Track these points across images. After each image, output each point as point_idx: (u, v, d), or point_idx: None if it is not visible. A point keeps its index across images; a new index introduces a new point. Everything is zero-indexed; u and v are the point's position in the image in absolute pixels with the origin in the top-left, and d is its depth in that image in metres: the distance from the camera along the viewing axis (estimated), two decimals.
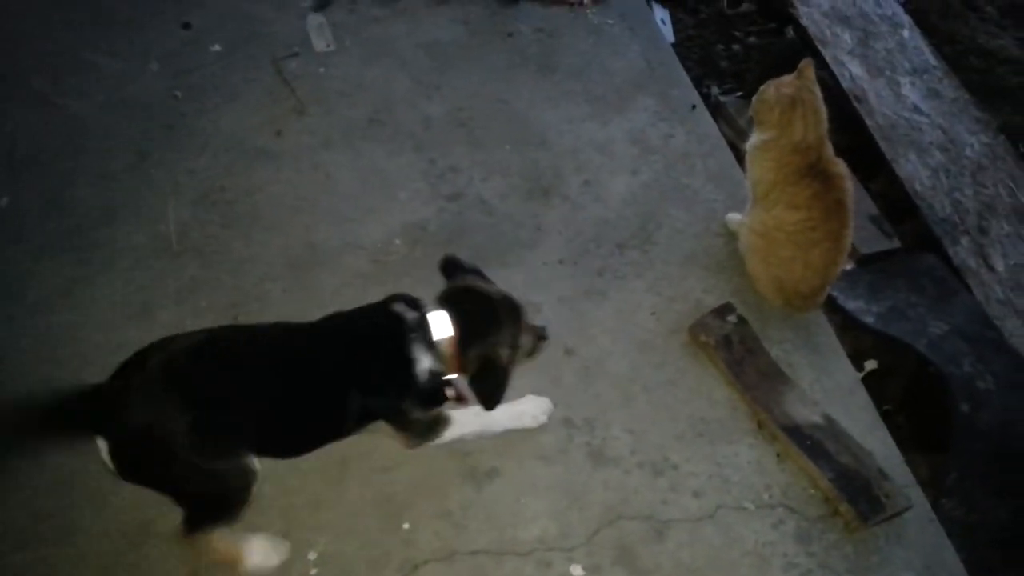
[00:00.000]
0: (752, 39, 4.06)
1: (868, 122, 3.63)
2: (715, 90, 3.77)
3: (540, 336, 2.23)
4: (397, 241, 2.78)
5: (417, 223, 2.84)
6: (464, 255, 2.72)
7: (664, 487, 2.32)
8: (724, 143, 3.22)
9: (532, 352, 2.23)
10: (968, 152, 3.77)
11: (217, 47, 3.30)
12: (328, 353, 2.02)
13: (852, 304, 2.92)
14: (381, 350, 2.04)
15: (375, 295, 2.60)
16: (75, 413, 1.84)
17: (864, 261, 3.14)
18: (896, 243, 3.24)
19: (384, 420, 2.13)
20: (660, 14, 3.95)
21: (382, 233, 2.79)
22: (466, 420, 2.26)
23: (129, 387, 1.85)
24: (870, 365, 2.84)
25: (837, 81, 3.74)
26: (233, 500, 1.95)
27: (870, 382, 2.74)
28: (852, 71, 3.86)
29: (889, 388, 2.82)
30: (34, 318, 2.51)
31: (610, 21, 3.61)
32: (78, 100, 3.06)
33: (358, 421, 2.08)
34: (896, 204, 3.45)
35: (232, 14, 3.35)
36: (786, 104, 2.44)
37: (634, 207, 2.96)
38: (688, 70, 3.65)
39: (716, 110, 3.56)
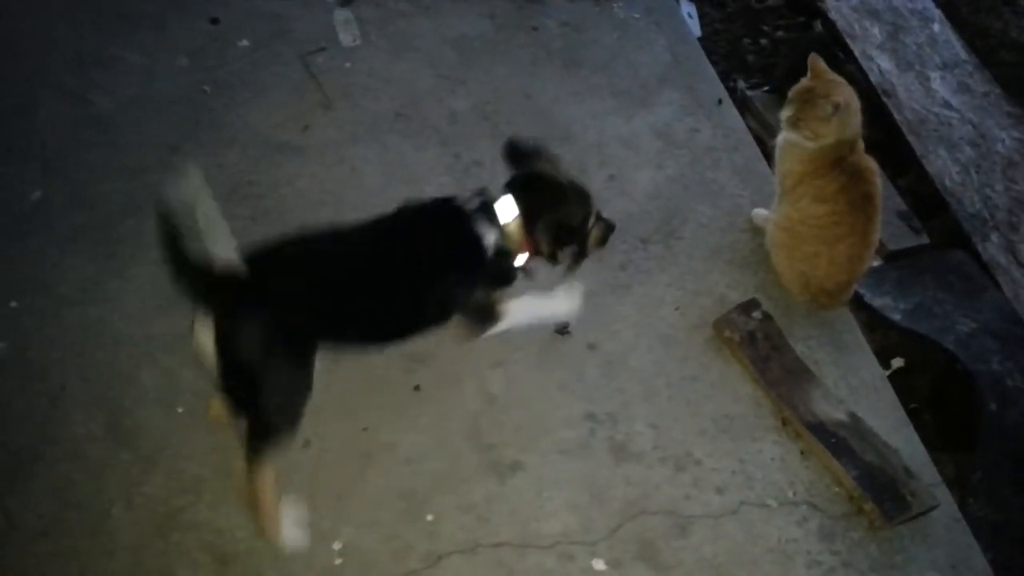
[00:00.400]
0: (780, 33, 4.02)
1: (897, 117, 3.59)
2: (742, 84, 3.73)
3: (608, 225, 2.38)
4: None
5: None
6: None
7: (687, 483, 2.32)
8: (750, 138, 3.20)
9: (602, 240, 2.39)
10: (999, 147, 3.72)
11: (245, 42, 3.33)
12: (401, 243, 2.13)
13: (879, 301, 2.89)
14: (448, 234, 2.17)
15: None
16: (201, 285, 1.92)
17: (892, 257, 3.10)
18: (925, 239, 3.21)
19: (456, 305, 2.24)
20: (687, 8, 3.93)
21: None
22: (517, 310, 2.34)
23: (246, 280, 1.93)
24: (897, 363, 2.81)
25: (866, 75, 3.70)
26: (294, 412, 2.03)
27: (897, 380, 2.72)
28: (881, 65, 3.81)
29: (916, 386, 2.79)
30: (62, 310, 2.55)
31: (636, 15, 3.59)
32: (107, 96, 3.10)
33: (437, 310, 2.21)
34: (925, 200, 3.40)
35: (259, 10, 3.38)
36: (842, 111, 2.40)
37: (658, 201, 2.95)
38: (715, 64, 3.63)
39: (743, 104, 3.53)
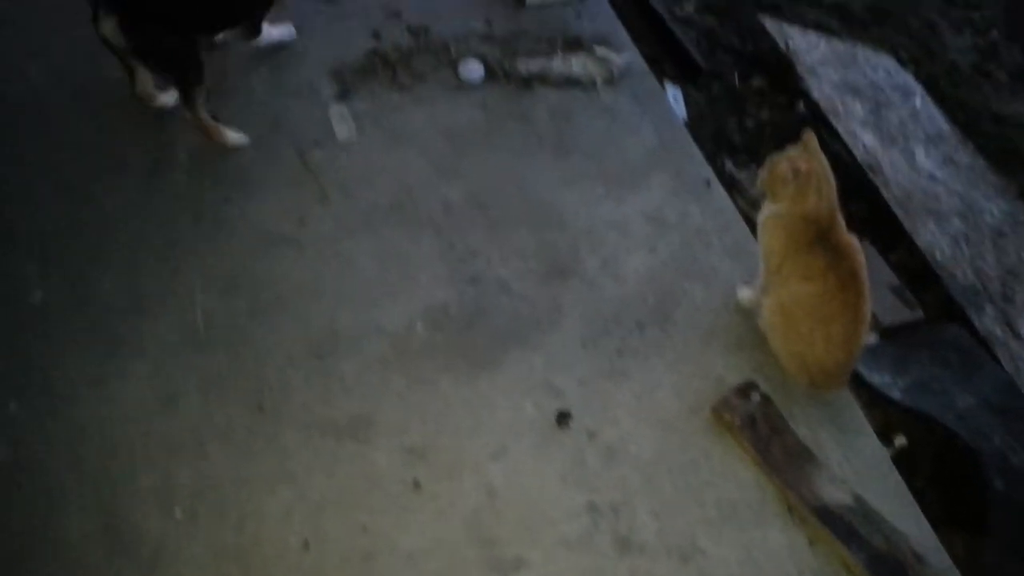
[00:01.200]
0: (764, 113, 4.12)
1: (884, 192, 3.65)
2: (729, 164, 3.81)
3: None
4: (418, 325, 2.81)
5: (438, 307, 2.87)
6: (484, 338, 2.78)
7: (693, 574, 2.28)
8: (739, 217, 3.25)
9: None
10: (988, 219, 3.78)
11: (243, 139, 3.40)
12: None
13: (877, 379, 2.89)
14: None
15: (397, 381, 2.66)
16: None
17: (887, 333, 3.12)
18: (919, 313, 3.23)
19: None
20: (672, 92, 4.03)
21: (403, 317, 2.82)
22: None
23: None
24: (899, 441, 2.80)
25: (850, 152, 3.78)
26: (193, 72, 3.10)
27: (900, 459, 2.70)
28: (865, 142, 3.90)
29: (920, 464, 2.77)
30: (61, 410, 2.54)
31: (623, 102, 3.68)
32: (109, 192, 3.14)
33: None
34: (917, 274, 3.44)
35: (256, 106, 3.45)
36: (802, 178, 2.46)
37: (652, 285, 2.98)
38: (701, 146, 3.70)
39: (731, 184, 3.60)
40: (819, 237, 2.49)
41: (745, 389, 2.63)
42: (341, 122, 3.49)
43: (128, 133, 3.38)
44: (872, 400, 2.87)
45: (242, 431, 2.51)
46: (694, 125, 3.92)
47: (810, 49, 4.39)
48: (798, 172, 2.45)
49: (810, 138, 2.54)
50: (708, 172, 3.41)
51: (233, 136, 3.30)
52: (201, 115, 3.19)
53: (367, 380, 2.65)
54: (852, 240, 2.53)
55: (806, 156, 2.50)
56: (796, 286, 2.53)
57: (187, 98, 3.14)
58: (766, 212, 2.62)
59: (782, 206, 2.53)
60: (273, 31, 3.58)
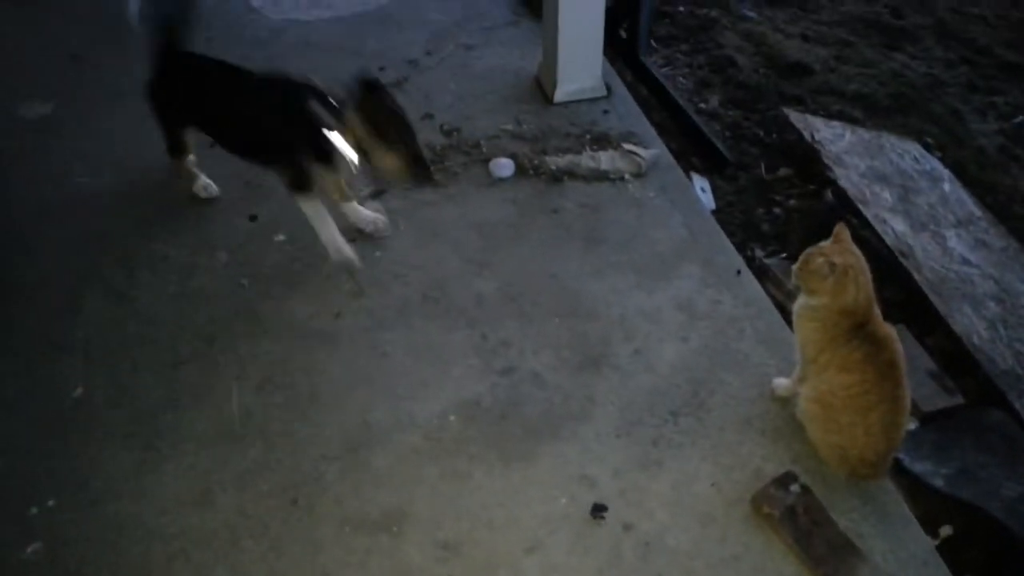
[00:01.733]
0: (792, 202, 4.17)
1: (916, 277, 3.64)
2: (759, 253, 3.84)
3: (419, 160, 3.09)
4: (451, 417, 2.82)
5: (471, 399, 2.88)
6: (518, 430, 2.77)
7: None
8: (771, 305, 3.25)
9: (403, 169, 3.06)
10: None
11: (281, 236, 3.51)
12: (262, 91, 3.21)
13: (919, 467, 2.83)
14: (292, 97, 3.07)
15: (430, 474, 2.65)
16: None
17: (927, 419, 3.06)
18: (959, 399, 3.17)
19: (277, 148, 3.22)
20: (700, 183, 4.11)
21: (436, 409, 2.84)
22: (313, 209, 3.28)
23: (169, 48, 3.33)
24: (945, 531, 2.71)
25: (881, 239, 3.78)
26: (170, 146, 3.57)
27: (946, 549, 2.61)
28: (895, 228, 3.91)
29: (968, 555, 2.67)
30: (98, 506, 2.57)
31: (651, 194, 3.75)
32: (150, 292, 3.25)
33: (262, 145, 3.28)
34: (955, 358, 3.39)
35: (294, 206, 3.58)
36: (839, 272, 2.46)
37: (685, 374, 2.97)
38: (731, 235, 3.74)
39: (761, 273, 3.61)
40: (856, 328, 2.48)
41: (784, 480, 2.58)
42: (374, 219, 3.59)
43: (168, 235, 3.52)
44: (914, 488, 2.80)
45: (276, 525, 2.51)
46: (723, 215, 3.98)
47: (835, 139, 4.47)
48: (835, 267, 2.45)
49: (842, 230, 2.56)
50: (738, 261, 3.44)
51: (201, 184, 3.68)
52: (177, 163, 3.65)
53: (400, 473, 2.65)
54: (889, 330, 2.51)
55: (840, 249, 2.51)
56: (834, 377, 2.51)
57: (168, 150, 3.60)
58: (802, 303, 2.61)
59: (820, 300, 2.52)
60: (364, 212, 3.55)
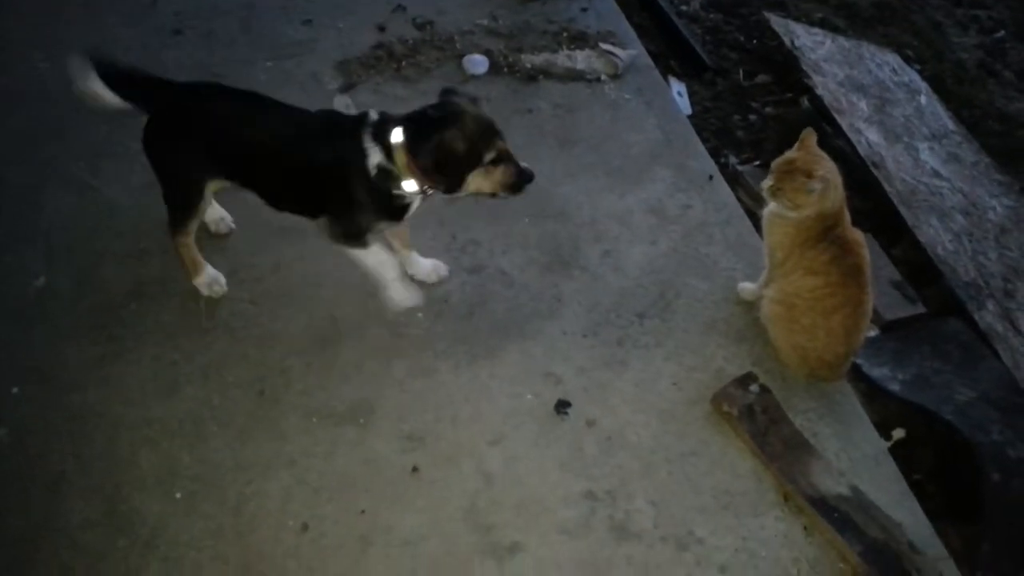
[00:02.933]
0: (769, 109, 4.12)
1: (887, 188, 3.64)
2: (733, 160, 3.81)
3: (522, 172, 2.42)
4: (419, 314, 2.82)
5: (439, 296, 2.88)
6: (485, 327, 2.78)
7: (689, 562, 2.28)
8: (742, 212, 3.25)
9: (511, 186, 2.44)
10: (991, 215, 3.77)
11: None
12: (302, 133, 2.50)
13: (877, 372, 2.89)
14: (339, 140, 2.43)
15: (397, 369, 2.67)
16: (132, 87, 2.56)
17: (888, 327, 3.12)
18: (921, 308, 3.22)
19: (328, 203, 2.55)
20: (677, 88, 4.04)
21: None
22: (372, 258, 2.64)
23: (171, 89, 2.60)
24: (898, 434, 2.79)
25: (854, 148, 3.77)
26: (182, 211, 2.66)
27: (899, 451, 2.70)
28: (869, 138, 3.89)
29: (918, 457, 2.77)
30: (63, 395, 2.57)
31: (627, 96, 3.69)
32: (114, 184, 3.17)
33: (309, 198, 2.58)
34: (919, 269, 3.43)
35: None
36: (824, 187, 2.45)
37: (653, 277, 2.99)
38: (705, 141, 3.71)
39: (734, 179, 3.60)
40: (826, 231, 2.49)
41: (744, 380, 2.63)
42: (345, 112, 3.50)
43: (133, 126, 3.41)
44: (871, 393, 2.87)
45: (242, 416, 2.53)
46: (698, 120, 3.93)
47: (815, 46, 4.39)
48: (824, 180, 2.42)
49: (809, 135, 2.54)
50: (711, 167, 3.42)
51: (204, 279, 2.83)
52: (178, 242, 2.76)
53: (367, 367, 2.67)
54: (858, 235, 2.53)
55: (813, 158, 2.49)
56: (800, 279, 2.54)
57: (169, 220, 2.73)
58: (774, 210, 2.60)
59: (800, 212, 2.51)
60: (424, 262, 2.95)
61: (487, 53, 3.82)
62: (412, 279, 2.90)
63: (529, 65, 3.77)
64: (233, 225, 3.05)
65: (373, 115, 2.44)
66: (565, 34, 4.00)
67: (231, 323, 2.77)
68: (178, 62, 3.72)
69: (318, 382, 2.62)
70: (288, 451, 2.45)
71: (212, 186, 2.67)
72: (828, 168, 2.48)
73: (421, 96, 3.62)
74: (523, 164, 2.44)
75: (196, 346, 2.70)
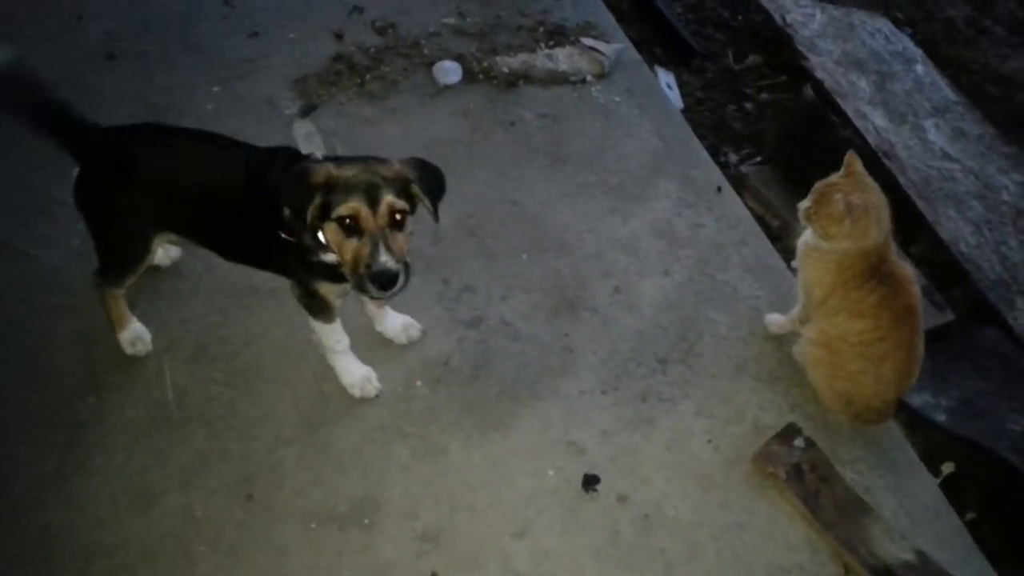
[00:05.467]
0: (764, 95, 3.83)
1: (901, 180, 3.40)
2: (733, 158, 3.53)
3: (373, 262, 1.91)
4: (418, 383, 2.52)
5: (438, 358, 2.58)
6: (492, 391, 2.50)
7: None
8: (757, 228, 2.98)
9: (354, 267, 1.96)
10: (1004, 196, 3.56)
11: None
12: (244, 175, 2.18)
13: (918, 400, 2.66)
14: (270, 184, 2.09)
15: (400, 452, 2.37)
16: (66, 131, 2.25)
17: None
18: (950, 315, 3.01)
19: (274, 264, 2.30)
20: (665, 79, 3.72)
21: (400, 374, 2.53)
22: (334, 337, 2.37)
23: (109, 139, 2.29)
24: (947, 468, 2.58)
25: (863, 138, 3.50)
26: (121, 267, 2.38)
27: (949, 487, 2.50)
28: (876, 123, 3.63)
29: (971, 493, 2.56)
30: (21, 517, 2.23)
31: (616, 98, 3.37)
32: (51, 248, 2.78)
33: (255, 256, 2.33)
34: (942, 266, 3.21)
35: (211, 129, 3.09)
36: (858, 214, 2.17)
37: (671, 313, 2.71)
38: (702, 138, 3.42)
39: (740, 182, 3.32)
40: (871, 269, 2.22)
41: (787, 434, 2.38)
42: (308, 141, 3.14)
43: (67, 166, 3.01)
44: (914, 423, 2.65)
45: (231, 528, 2.22)
46: (692, 115, 3.63)
47: (806, 20, 4.09)
48: (853, 209, 2.14)
49: (853, 159, 2.26)
50: (718, 176, 3.13)
51: (127, 336, 2.54)
52: (104, 297, 2.50)
53: (366, 453, 2.37)
54: (906, 270, 2.27)
55: (855, 183, 2.21)
56: (845, 322, 2.28)
57: (97, 274, 2.46)
58: (810, 242, 2.32)
59: (835, 244, 2.23)
60: (394, 318, 2.61)
61: (459, 58, 3.46)
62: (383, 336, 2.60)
63: (506, 69, 3.42)
64: (176, 256, 2.76)
65: (317, 155, 2.12)
66: (541, 29, 3.64)
67: (206, 412, 2.43)
68: (114, 91, 3.30)
69: (313, 477, 2.32)
70: (288, 568, 2.15)
71: (159, 241, 2.39)
72: (871, 200, 2.20)
73: (390, 115, 3.27)
74: (383, 259, 1.93)
75: (169, 444, 2.36)
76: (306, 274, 2.20)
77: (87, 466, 2.33)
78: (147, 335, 2.56)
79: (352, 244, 1.96)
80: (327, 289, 2.22)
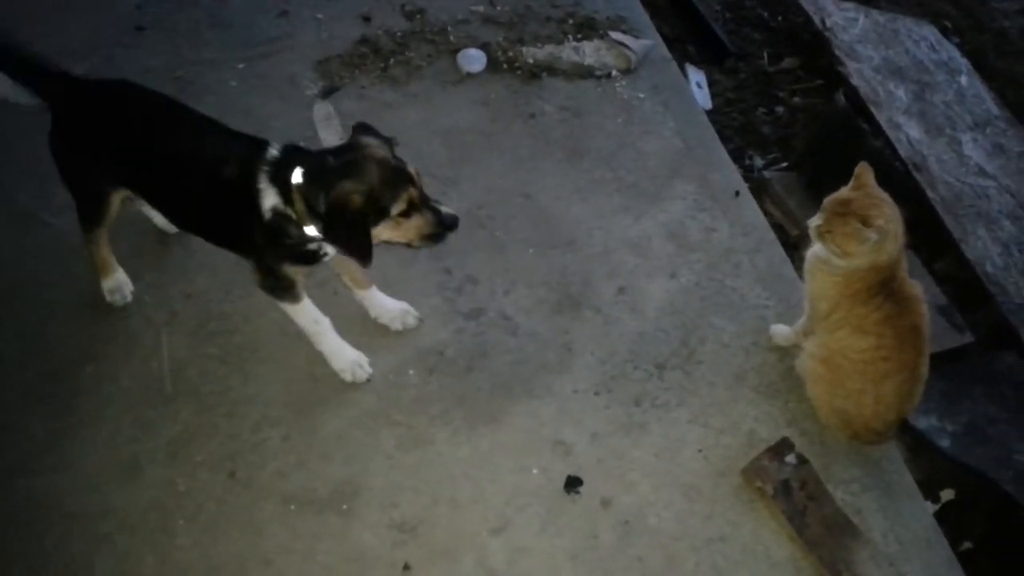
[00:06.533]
0: (797, 99, 3.73)
1: (930, 194, 3.28)
2: (758, 162, 3.45)
3: (441, 220, 2.08)
4: (410, 371, 2.51)
5: (433, 347, 2.56)
6: (486, 385, 2.48)
7: None
8: (773, 236, 2.90)
9: (429, 236, 2.10)
10: None
11: None
12: (205, 160, 2.16)
13: (924, 422, 2.58)
14: (238, 178, 2.09)
15: (386, 440, 2.37)
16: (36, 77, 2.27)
17: (934, 360, 2.79)
18: (969, 338, 2.90)
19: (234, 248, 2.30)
20: (696, 77, 3.65)
21: (393, 362, 2.52)
22: (307, 317, 2.34)
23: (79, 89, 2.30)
24: (947, 495, 2.50)
25: (894, 149, 3.39)
26: (86, 215, 2.46)
27: (948, 514, 2.42)
28: (909, 134, 3.51)
29: (969, 522, 2.48)
30: (9, 481, 2.28)
31: (641, 95, 3.30)
32: (68, 217, 2.81)
33: (216, 232, 2.32)
34: (966, 287, 3.10)
35: (233, 106, 3.11)
36: (883, 235, 2.09)
37: (674, 318, 2.66)
38: (728, 140, 3.35)
39: (761, 188, 3.24)
40: (880, 285, 2.14)
41: (779, 450, 2.32)
42: (327, 124, 3.14)
43: None
44: (917, 446, 2.57)
45: (212, 504, 2.23)
46: (720, 116, 3.55)
47: (848, 24, 3.97)
48: (882, 231, 2.06)
49: (865, 171, 2.17)
50: (737, 180, 3.05)
51: (111, 284, 2.60)
52: (89, 245, 2.56)
53: (351, 439, 2.37)
54: (915, 289, 2.18)
55: (872, 201, 2.12)
56: (847, 338, 2.20)
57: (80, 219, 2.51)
58: (819, 255, 2.24)
59: (850, 261, 2.15)
60: (389, 303, 2.58)
61: (484, 46, 3.43)
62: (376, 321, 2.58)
63: (531, 60, 3.38)
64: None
65: (273, 151, 2.10)
66: (571, 20, 3.59)
67: (199, 386, 2.46)
68: (141, 64, 3.33)
69: (296, 459, 2.32)
70: (263, 548, 2.16)
71: (118, 196, 2.41)
72: (888, 215, 2.12)
73: (411, 101, 3.25)
74: (444, 209, 2.09)
75: (160, 417, 2.39)
76: (274, 257, 2.19)
77: (78, 434, 2.36)
78: (128, 286, 2.62)
79: (414, 222, 2.05)
80: (294, 270, 2.24)
